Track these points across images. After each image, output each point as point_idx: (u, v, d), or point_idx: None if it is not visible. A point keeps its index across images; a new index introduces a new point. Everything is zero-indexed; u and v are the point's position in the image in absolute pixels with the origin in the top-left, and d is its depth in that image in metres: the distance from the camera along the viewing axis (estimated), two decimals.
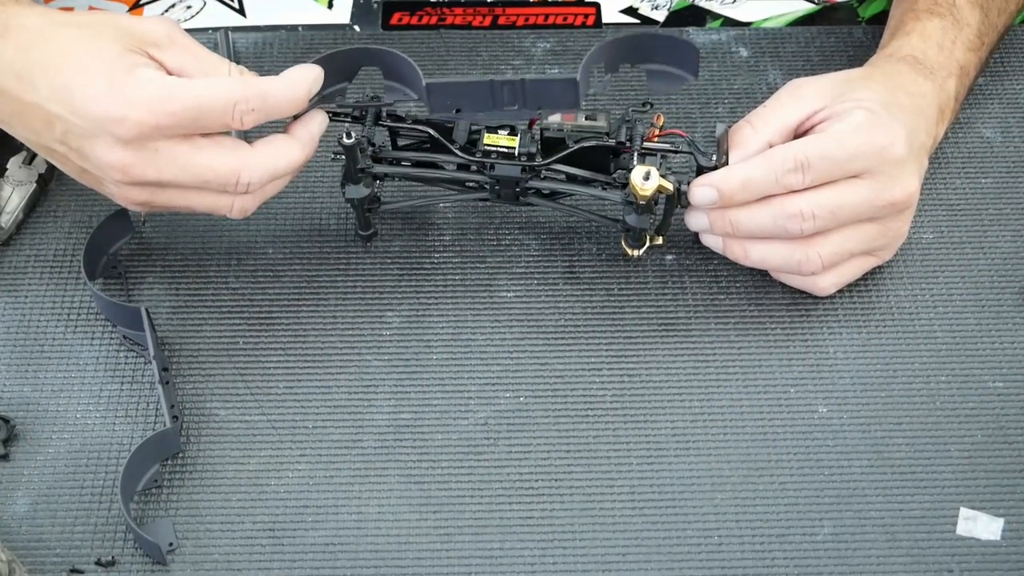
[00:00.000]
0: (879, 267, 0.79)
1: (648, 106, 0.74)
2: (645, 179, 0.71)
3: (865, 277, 0.79)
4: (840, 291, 0.78)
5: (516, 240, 0.81)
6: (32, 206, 0.81)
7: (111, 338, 0.76)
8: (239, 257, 0.80)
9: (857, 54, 0.90)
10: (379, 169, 0.76)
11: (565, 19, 0.93)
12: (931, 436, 0.73)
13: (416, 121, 0.75)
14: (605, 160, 0.74)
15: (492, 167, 0.74)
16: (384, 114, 0.76)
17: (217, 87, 0.68)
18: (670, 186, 0.72)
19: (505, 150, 0.73)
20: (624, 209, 0.74)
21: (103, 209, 0.80)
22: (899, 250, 0.80)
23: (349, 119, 0.75)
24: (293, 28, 0.92)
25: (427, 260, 0.80)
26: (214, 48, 0.89)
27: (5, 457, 0.71)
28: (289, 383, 0.75)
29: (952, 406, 0.74)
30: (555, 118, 0.74)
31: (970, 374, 0.75)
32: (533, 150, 0.74)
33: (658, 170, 0.71)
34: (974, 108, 0.87)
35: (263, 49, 0.90)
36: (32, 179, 0.81)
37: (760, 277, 0.79)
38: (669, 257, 0.80)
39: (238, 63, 0.87)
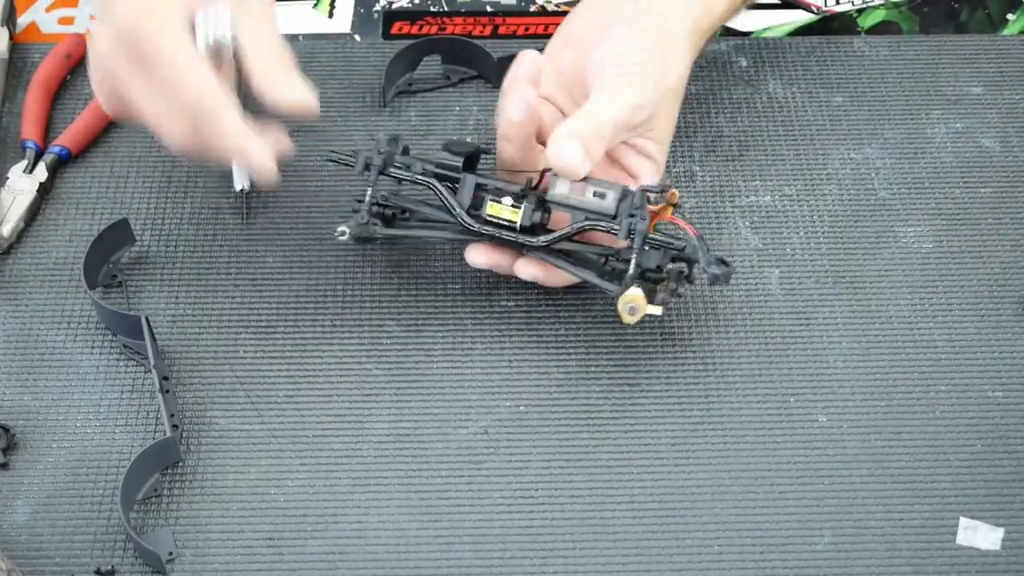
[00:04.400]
0: (879, 276, 0.79)
1: (664, 188, 0.70)
2: (630, 312, 0.69)
3: (864, 286, 0.79)
4: (840, 300, 0.78)
5: None
6: (33, 215, 0.81)
7: (111, 347, 0.76)
8: (239, 266, 0.80)
9: (856, 63, 0.90)
10: (384, 232, 0.74)
11: None
12: (931, 445, 0.73)
13: (424, 173, 0.74)
14: (608, 237, 0.72)
15: (493, 238, 0.73)
16: (390, 163, 0.74)
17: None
18: (658, 312, 0.70)
19: (507, 223, 0.72)
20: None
21: (104, 218, 0.81)
22: (899, 259, 0.80)
23: (352, 167, 0.74)
24: (294, 37, 0.92)
25: (427, 269, 0.80)
26: None
27: (5, 466, 0.71)
28: (289, 392, 0.75)
29: (952, 415, 0.74)
30: (563, 189, 0.71)
31: (970, 384, 0.75)
32: (536, 220, 0.72)
33: (658, 270, 0.70)
34: (973, 118, 0.87)
35: None
36: (33, 188, 0.81)
37: (761, 287, 0.79)
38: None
39: (240, 72, 0.88)
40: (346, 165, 0.75)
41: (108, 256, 0.79)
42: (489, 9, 0.94)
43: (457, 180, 0.74)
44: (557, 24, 0.93)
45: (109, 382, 0.75)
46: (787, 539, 0.69)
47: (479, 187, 0.73)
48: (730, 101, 0.88)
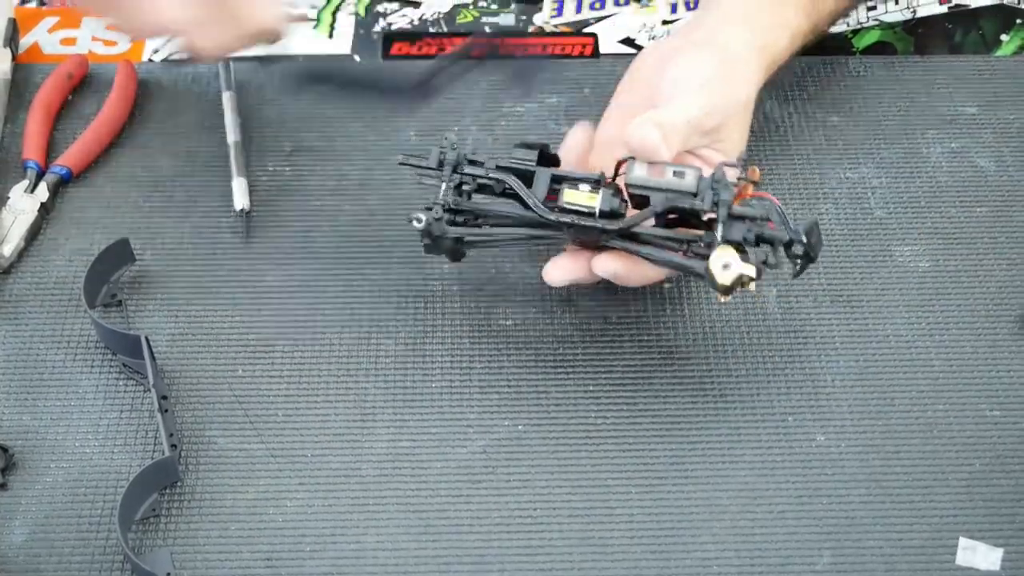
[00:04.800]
0: (876, 295, 0.79)
1: (741, 162, 0.70)
2: (724, 268, 0.67)
3: (861, 305, 0.79)
4: (837, 319, 0.78)
5: (514, 268, 0.81)
6: (34, 235, 0.82)
7: (111, 366, 0.76)
8: (239, 285, 0.80)
9: (852, 84, 0.91)
10: (457, 232, 0.73)
11: (563, 49, 0.94)
12: (929, 465, 0.73)
13: (498, 168, 0.73)
14: (695, 216, 0.71)
15: (571, 227, 0.71)
16: (463, 161, 0.73)
17: None
18: (752, 272, 0.66)
19: (585, 209, 0.70)
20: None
21: (104, 237, 0.81)
22: (896, 278, 0.80)
23: (429, 177, 0.73)
24: (294, 58, 0.92)
25: (426, 288, 0.80)
26: (215, 78, 0.90)
27: (3, 486, 0.71)
28: (288, 411, 0.75)
29: (950, 435, 0.74)
30: (641, 172, 0.70)
31: (967, 403, 0.75)
32: (615, 205, 0.71)
33: (745, 243, 0.68)
34: (968, 138, 0.88)
35: (264, 79, 0.90)
36: (34, 208, 0.82)
37: (758, 306, 0.79)
38: (667, 285, 0.80)
39: (238, 92, 0.89)
40: (419, 167, 0.73)
41: (108, 276, 0.79)
42: (488, 30, 0.95)
43: (531, 177, 0.73)
44: (555, 44, 0.94)
45: (108, 402, 0.75)
46: (786, 559, 0.69)
47: (554, 179, 0.72)
48: None
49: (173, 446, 0.72)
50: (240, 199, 0.83)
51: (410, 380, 0.76)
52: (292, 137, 0.87)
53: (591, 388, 0.76)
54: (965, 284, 0.80)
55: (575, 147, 0.78)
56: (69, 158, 0.84)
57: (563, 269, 0.74)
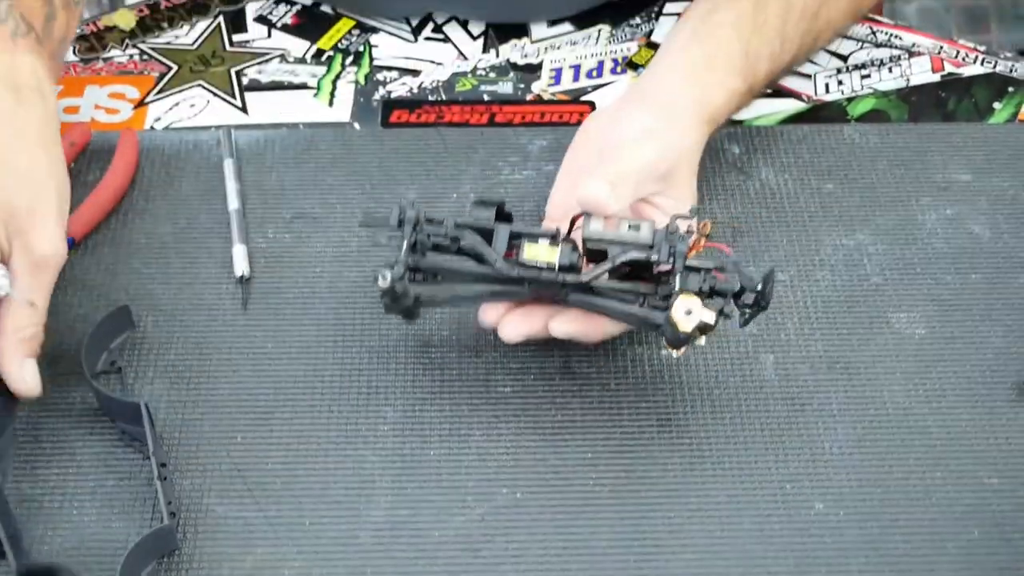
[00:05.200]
0: (872, 362, 0.80)
1: (693, 215, 0.73)
2: (687, 314, 0.69)
3: (859, 372, 0.79)
4: (834, 386, 0.79)
5: None
6: None
7: (110, 433, 0.76)
8: (237, 352, 0.80)
9: (847, 151, 0.91)
10: (419, 290, 0.74)
11: (561, 117, 0.95)
12: (928, 533, 0.73)
13: (457, 226, 0.74)
14: (648, 270, 0.73)
15: (531, 282, 0.73)
16: (424, 221, 0.74)
17: None
18: (712, 319, 0.69)
19: (545, 264, 0.72)
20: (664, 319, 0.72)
21: (105, 304, 0.81)
22: (893, 345, 0.80)
23: (385, 238, 0.74)
24: (294, 126, 0.93)
25: (424, 354, 0.80)
26: (216, 145, 0.90)
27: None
28: (286, 479, 0.75)
29: (948, 503, 0.74)
30: (597, 226, 0.72)
31: (965, 470, 0.75)
32: (574, 259, 0.72)
33: (700, 294, 0.70)
34: (963, 204, 0.88)
35: (264, 146, 0.91)
36: None
37: (755, 373, 0.79)
38: (665, 352, 0.80)
39: (239, 160, 0.89)
40: (378, 227, 0.74)
41: (108, 343, 0.79)
42: (486, 98, 0.96)
43: (490, 233, 0.74)
44: (552, 112, 0.95)
45: (106, 469, 0.75)
46: None
47: (512, 236, 0.74)
48: (723, 188, 0.89)
49: (172, 514, 0.72)
50: (240, 265, 0.83)
51: (408, 447, 0.76)
52: (292, 204, 0.88)
53: (589, 455, 0.76)
54: (962, 351, 0.81)
55: (561, 203, 0.81)
56: (71, 225, 0.84)
57: (517, 325, 0.75)
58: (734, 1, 0.87)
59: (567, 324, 0.74)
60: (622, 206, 0.74)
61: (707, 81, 0.84)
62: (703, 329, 0.70)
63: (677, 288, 0.71)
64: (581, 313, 0.74)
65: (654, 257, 0.71)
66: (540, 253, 0.72)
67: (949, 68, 0.98)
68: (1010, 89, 0.97)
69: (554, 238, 0.73)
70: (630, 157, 0.77)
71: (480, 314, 0.76)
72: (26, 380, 0.75)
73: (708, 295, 0.71)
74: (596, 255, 0.73)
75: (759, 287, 0.71)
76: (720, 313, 0.71)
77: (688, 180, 0.81)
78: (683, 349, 0.73)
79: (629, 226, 0.72)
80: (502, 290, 0.74)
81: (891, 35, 1.00)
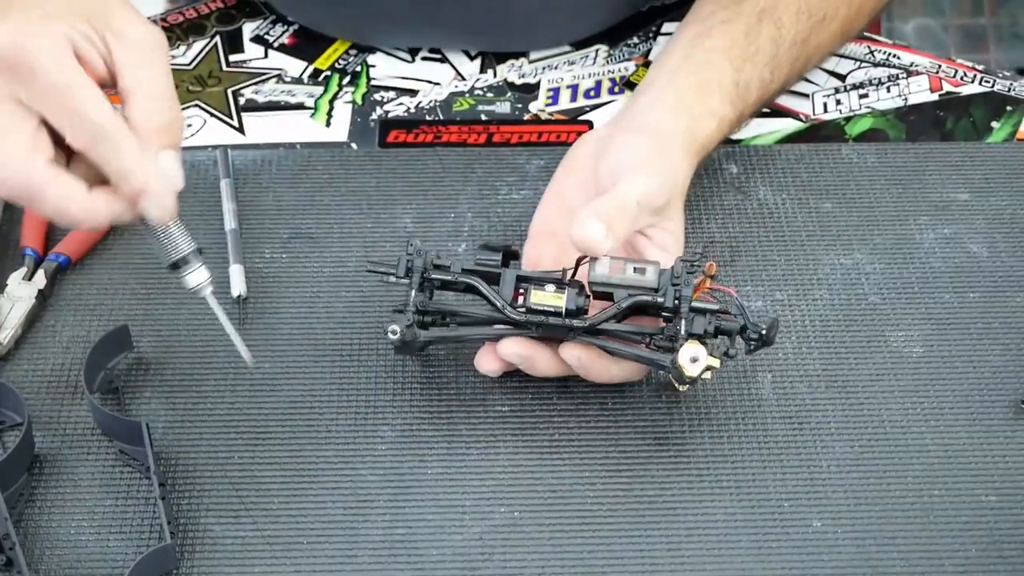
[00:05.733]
0: (870, 381, 0.80)
1: (699, 257, 0.74)
2: (692, 361, 0.71)
3: (856, 390, 0.79)
4: (832, 405, 0.79)
5: None
6: (31, 322, 0.82)
7: (107, 453, 0.76)
8: (235, 372, 0.80)
9: (845, 170, 0.92)
10: (430, 335, 0.75)
11: (558, 136, 0.95)
12: (925, 551, 0.73)
13: (464, 271, 0.75)
14: (654, 312, 0.74)
15: (539, 326, 0.74)
16: (429, 266, 0.75)
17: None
18: (718, 364, 0.71)
19: (552, 309, 0.73)
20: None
21: (101, 324, 0.81)
22: (891, 363, 0.80)
23: (393, 278, 0.75)
24: (291, 146, 0.93)
25: (421, 374, 0.80)
26: (213, 165, 0.90)
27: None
28: (284, 498, 0.75)
29: (946, 520, 0.74)
30: (603, 270, 0.73)
31: (963, 488, 0.75)
32: (581, 303, 0.73)
33: (705, 334, 0.72)
34: (960, 224, 0.88)
35: (261, 166, 0.91)
36: (32, 295, 0.82)
37: (753, 391, 0.79)
38: (662, 373, 0.80)
39: (236, 180, 0.89)
40: (386, 274, 0.75)
41: (106, 362, 0.79)
42: (484, 117, 0.96)
43: (497, 277, 0.75)
44: (550, 132, 0.95)
45: (104, 489, 0.75)
46: None
47: (519, 280, 0.74)
48: (721, 207, 0.89)
49: (172, 533, 0.72)
50: (237, 285, 0.83)
51: (406, 466, 0.76)
52: (289, 224, 0.88)
53: (587, 474, 0.76)
54: (960, 370, 0.81)
55: (545, 223, 0.82)
56: (67, 245, 0.85)
57: (520, 345, 0.74)
58: (725, 26, 0.87)
59: (576, 348, 0.74)
60: (616, 243, 0.74)
61: (697, 111, 0.84)
62: (709, 367, 0.71)
63: (683, 333, 0.72)
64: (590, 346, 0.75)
65: (659, 300, 0.73)
66: (547, 299, 0.73)
67: (947, 87, 0.98)
68: (1008, 108, 0.97)
69: (560, 283, 0.74)
70: (629, 189, 0.77)
71: (477, 360, 0.77)
72: (167, 175, 0.67)
73: (714, 335, 0.73)
74: (603, 294, 0.74)
75: (763, 332, 0.73)
76: (725, 355, 0.72)
77: (679, 212, 0.81)
78: (689, 386, 0.74)
79: (634, 269, 0.73)
80: (510, 332, 0.75)
81: (889, 54, 1.01)
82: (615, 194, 0.76)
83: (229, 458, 0.76)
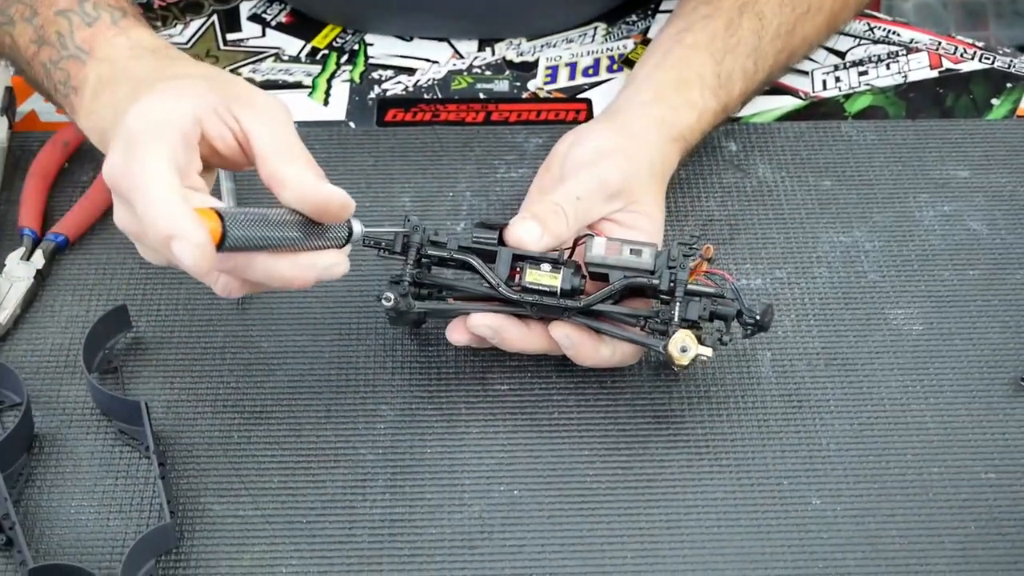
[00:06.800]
0: (870, 358, 0.80)
1: (696, 240, 0.74)
2: (682, 351, 0.71)
3: (856, 368, 0.79)
4: (832, 382, 0.79)
5: None
6: (30, 301, 0.82)
7: (107, 433, 0.76)
8: (233, 351, 0.80)
9: (844, 148, 0.91)
10: (424, 306, 0.75)
11: (557, 115, 0.95)
12: (924, 528, 0.73)
13: (460, 248, 0.75)
14: (650, 294, 0.74)
15: (534, 306, 0.74)
16: (426, 242, 0.75)
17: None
18: (709, 353, 0.71)
19: (547, 289, 0.73)
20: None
21: (100, 304, 0.81)
22: (890, 341, 0.80)
23: (387, 252, 0.75)
24: None
25: (421, 352, 0.80)
26: None
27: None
28: (283, 477, 0.75)
29: (945, 497, 0.74)
30: (599, 250, 0.73)
31: (962, 465, 0.75)
32: (576, 283, 0.73)
33: (700, 319, 0.72)
34: (960, 201, 0.88)
35: None
36: (30, 275, 0.82)
37: (753, 369, 0.79)
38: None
39: None
40: (383, 248, 0.75)
41: (105, 342, 0.79)
42: (482, 96, 0.96)
43: (493, 255, 0.75)
44: (548, 110, 0.95)
45: (104, 468, 0.75)
46: None
47: (515, 258, 0.74)
48: (720, 185, 0.89)
49: (172, 512, 0.72)
50: None
51: (405, 445, 0.76)
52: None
53: (586, 452, 0.76)
54: (959, 347, 0.81)
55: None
56: (65, 225, 0.85)
57: (491, 317, 0.74)
58: (706, 21, 0.88)
59: (567, 327, 0.74)
60: (557, 240, 0.75)
61: (674, 102, 0.84)
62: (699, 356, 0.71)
63: (677, 318, 0.72)
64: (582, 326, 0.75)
65: (655, 282, 0.73)
66: (543, 278, 0.73)
67: (947, 64, 0.98)
68: (1008, 85, 0.97)
69: (556, 263, 0.74)
70: (571, 186, 0.77)
71: (448, 331, 0.77)
72: (325, 264, 0.69)
73: (709, 320, 0.73)
74: (599, 275, 0.74)
75: (757, 317, 0.73)
76: (719, 341, 0.73)
77: (654, 196, 0.81)
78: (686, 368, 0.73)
79: (631, 251, 0.73)
80: (504, 310, 0.75)
81: (889, 31, 1.00)
82: (555, 193, 0.77)
83: (228, 437, 0.76)
